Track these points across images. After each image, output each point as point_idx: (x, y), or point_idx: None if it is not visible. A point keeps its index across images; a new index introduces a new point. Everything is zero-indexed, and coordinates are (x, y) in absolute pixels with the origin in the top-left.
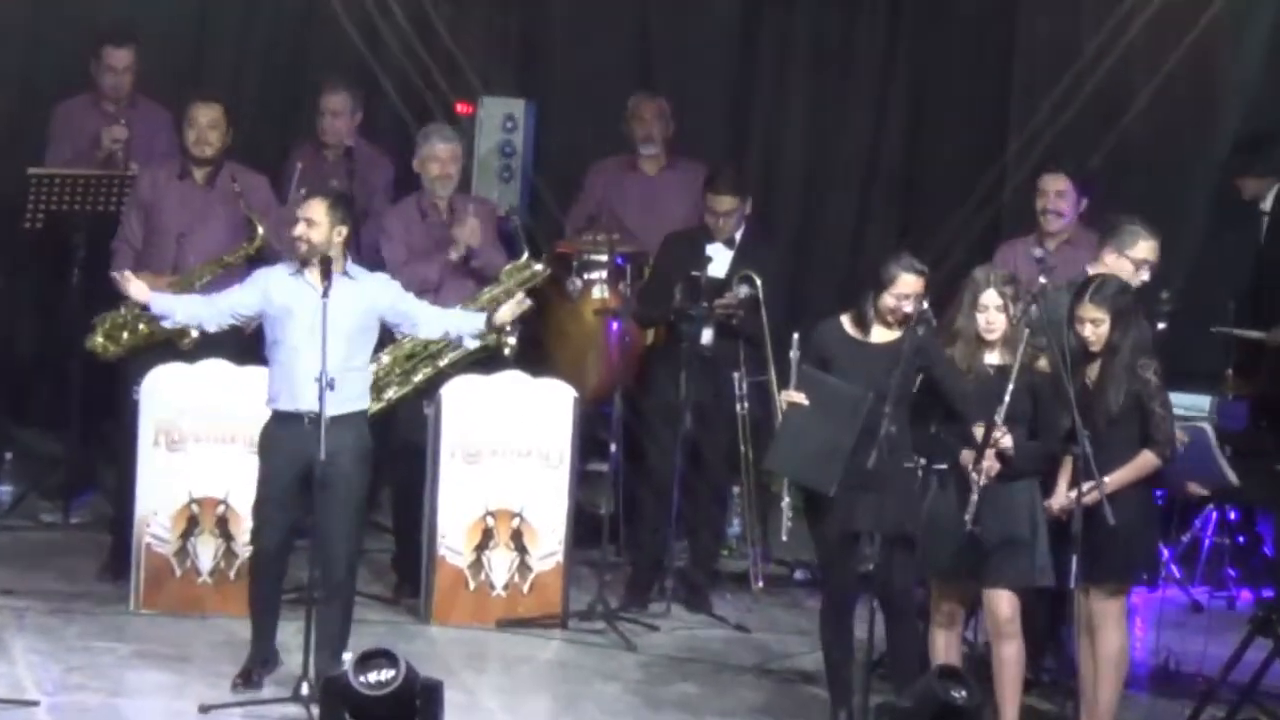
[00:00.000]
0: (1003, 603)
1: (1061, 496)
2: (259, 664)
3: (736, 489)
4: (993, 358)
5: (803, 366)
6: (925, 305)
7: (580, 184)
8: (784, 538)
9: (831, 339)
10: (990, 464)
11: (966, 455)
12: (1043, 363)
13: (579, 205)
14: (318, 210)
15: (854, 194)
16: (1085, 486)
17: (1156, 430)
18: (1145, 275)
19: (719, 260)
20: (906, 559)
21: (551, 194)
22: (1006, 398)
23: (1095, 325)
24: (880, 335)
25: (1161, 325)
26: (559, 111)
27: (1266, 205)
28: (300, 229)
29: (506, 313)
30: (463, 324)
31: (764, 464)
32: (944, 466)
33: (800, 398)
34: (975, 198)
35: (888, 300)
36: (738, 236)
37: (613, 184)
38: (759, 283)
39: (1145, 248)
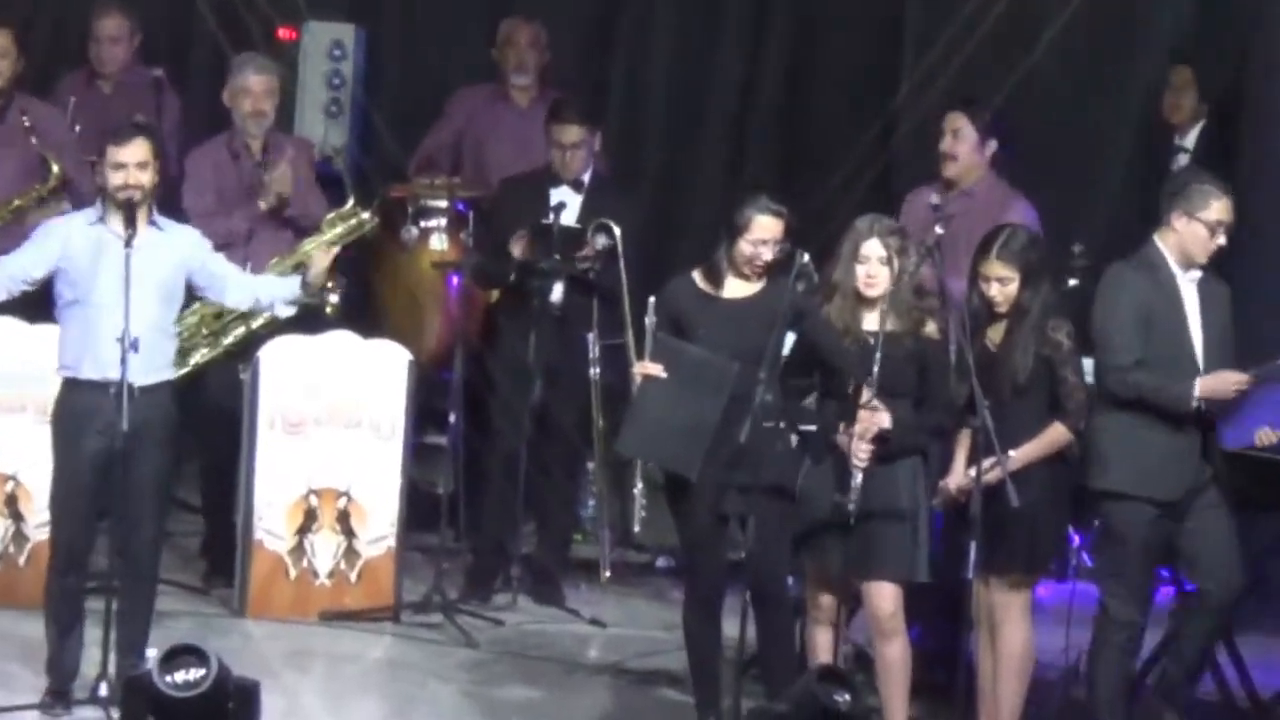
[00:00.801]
0: (884, 597)
1: (959, 475)
2: (66, 677)
3: (591, 464)
4: (872, 320)
5: (658, 334)
6: (805, 258)
7: (423, 118)
8: (636, 528)
9: (682, 296)
10: (861, 445)
11: (842, 438)
12: (930, 328)
13: (433, 134)
14: (143, 150)
15: (725, 142)
16: (986, 464)
17: (1068, 399)
18: (1222, 239)
19: (568, 206)
20: (780, 542)
21: (388, 131)
22: (875, 367)
23: (1002, 284)
24: (736, 289)
25: (1073, 282)
26: (395, 38)
27: (1189, 141)
28: (125, 175)
29: (318, 271)
30: (275, 289)
31: (617, 446)
32: (811, 429)
33: (657, 369)
34: (863, 145)
35: (743, 248)
36: (585, 179)
37: (480, 114)
38: (617, 233)
39: (1219, 208)
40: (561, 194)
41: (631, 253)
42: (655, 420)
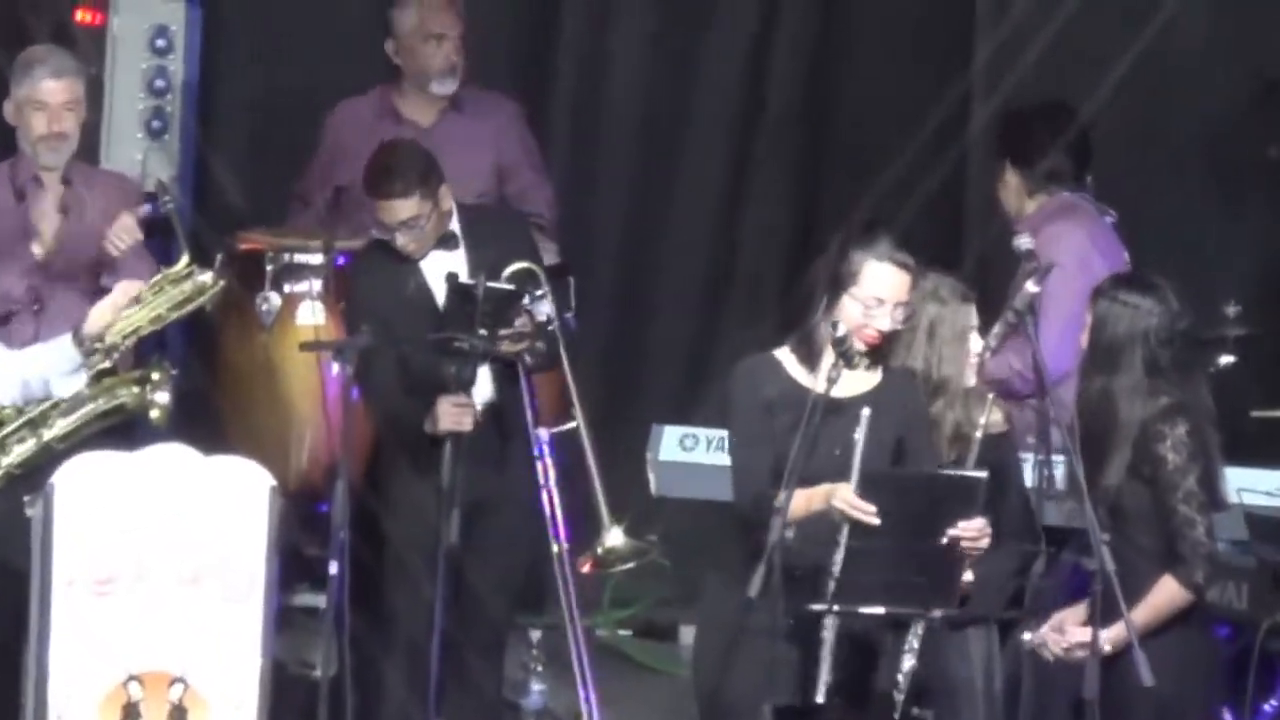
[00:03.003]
0: None
1: (1077, 631)
2: None
3: (535, 634)
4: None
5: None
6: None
7: (290, 138)
8: None
9: (768, 386)
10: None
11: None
12: (996, 416)
13: (308, 175)
14: None
15: (722, 157)
16: (1104, 633)
17: (1180, 539)
18: None
19: (443, 266)
20: None
21: (233, 156)
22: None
23: None
24: (855, 383)
25: (1227, 359)
26: (247, 22)
27: None
28: None
29: (99, 317)
30: (44, 361)
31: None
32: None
33: (868, 510)
34: (920, 142)
35: (850, 309)
36: (455, 227)
37: (366, 136)
38: (545, 289)
39: None
40: (435, 260)
41: (589, 295)
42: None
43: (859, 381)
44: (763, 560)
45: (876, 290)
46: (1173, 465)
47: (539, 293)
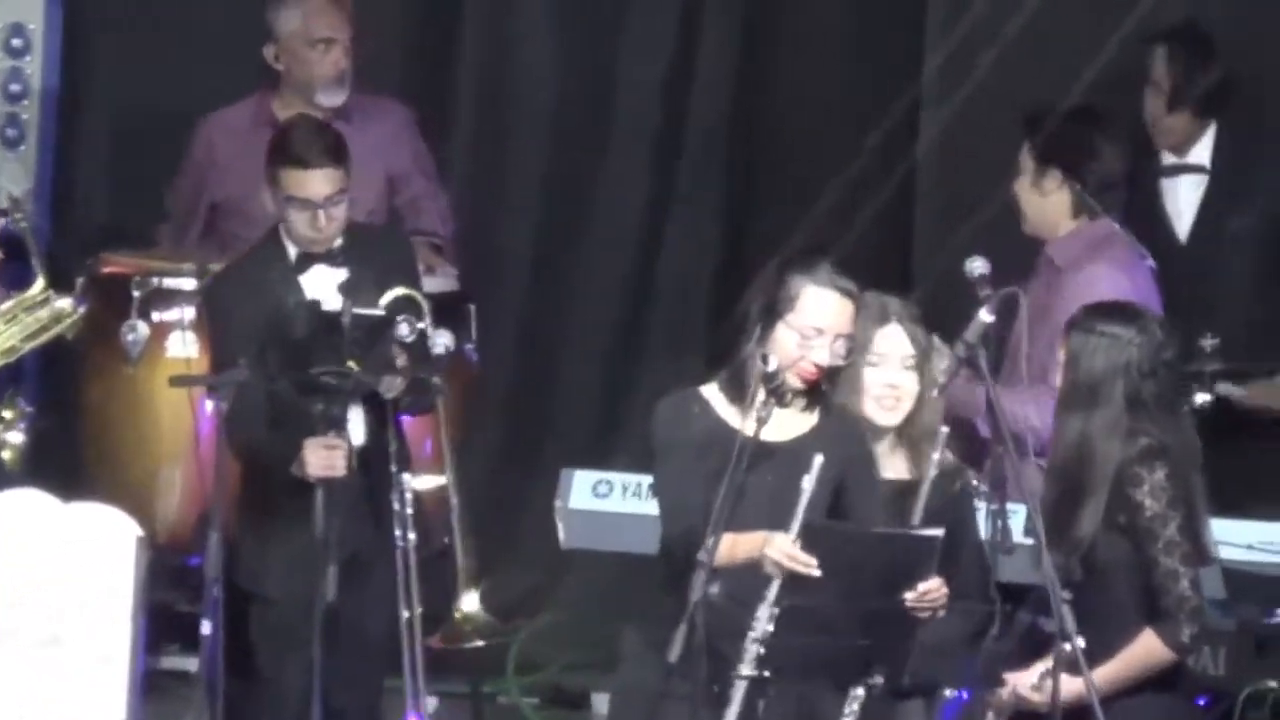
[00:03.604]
0: None
1: (1032, 676)
2: None
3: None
4: (890, 465)
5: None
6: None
7: (161, 147)
8: None
9: (696, 429)
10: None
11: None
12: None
13: (177, 191)
14: None
15: (643, 171)
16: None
17: (1166, 596)
18: None
19: (327, 283)
20: None
21: (96, 170)
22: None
23: None
24: (778, 425)
25: (1204, 398)
26: (108, 23)
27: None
28: None
29: None
30: None
31: None
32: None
33: (808, 562)
34: (865, 157)
35: (784, 341)
36: (338, 243)
37: (242, 151)
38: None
39: None
40: (313, 277)
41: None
42: None
43: (794, 423)
44: (684, 620)
45: (815, 319)
46: (1150, 512)
47: (420, 324)
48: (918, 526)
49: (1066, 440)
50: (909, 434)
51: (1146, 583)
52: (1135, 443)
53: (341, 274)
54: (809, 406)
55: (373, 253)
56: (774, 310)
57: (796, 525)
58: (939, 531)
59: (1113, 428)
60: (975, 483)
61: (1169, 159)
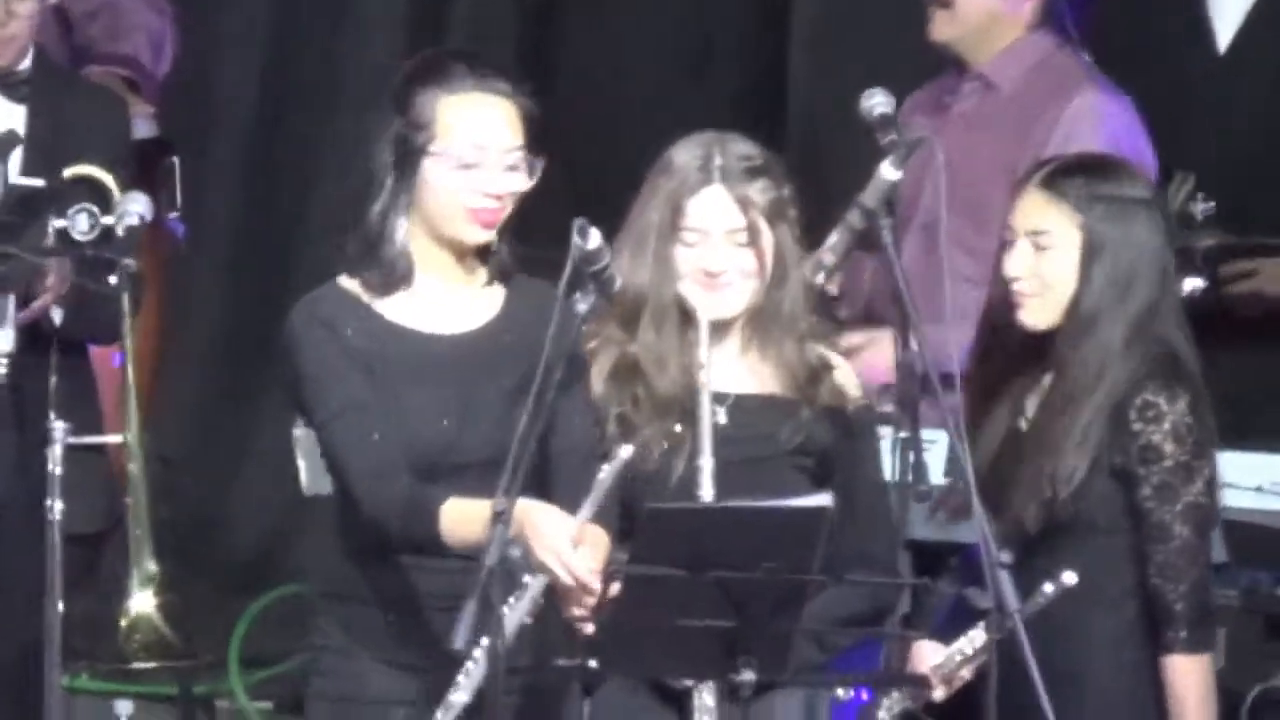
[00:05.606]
0: None
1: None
2: None
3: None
4: (721, 374)
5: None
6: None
7: None
8: None
9: (340, 321)
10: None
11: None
12: (847, 384)
13: None
14: None
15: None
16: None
17: (1179, 580)
18: None
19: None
20: None
21: None
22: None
23: (1040, 251)
24: (436, 309)
25: (1195, 283)
26: None
27: None
28: None
29: None
30: None
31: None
32: None
33: (589, 590)
34: None
35: (438, 179)
36: (26, 66)
37: None
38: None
39: None
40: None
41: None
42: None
43: (475, 304)
44: (475, 593)
45: (471, 135)
46: (1171, 459)
47: (105, 219)
48: (797, 496)
49: (1080, 358)
50: (760, 329)
51: (1141, 541)
52: (1140, 354)
53: (17, 114)
54: (493, 275)
55: (67, 103)
56: (408, 149)
57: (585, 513)
58: (826, 499)
59: (1138, 333)
60: (875, 403)
61: None
